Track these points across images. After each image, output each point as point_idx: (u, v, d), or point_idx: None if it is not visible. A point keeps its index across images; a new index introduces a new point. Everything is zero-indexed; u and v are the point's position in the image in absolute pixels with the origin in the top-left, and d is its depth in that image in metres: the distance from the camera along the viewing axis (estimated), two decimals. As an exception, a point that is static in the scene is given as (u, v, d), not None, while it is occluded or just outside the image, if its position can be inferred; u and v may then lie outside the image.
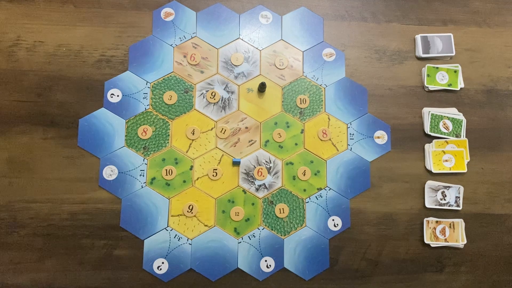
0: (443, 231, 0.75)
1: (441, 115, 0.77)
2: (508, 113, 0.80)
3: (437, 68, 0.79)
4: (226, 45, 0.77)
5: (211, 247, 0.71)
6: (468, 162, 0.78)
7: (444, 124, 0.77)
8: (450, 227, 0.75)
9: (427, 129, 0.77)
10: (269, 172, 0.74)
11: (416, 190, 0.76)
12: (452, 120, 0.78)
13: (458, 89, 0.79)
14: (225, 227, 0.72)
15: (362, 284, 0.73)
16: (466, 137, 0.78)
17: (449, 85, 0.79)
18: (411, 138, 0.78)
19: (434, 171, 0.76)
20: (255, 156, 0.74)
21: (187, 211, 0.71)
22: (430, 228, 0.75)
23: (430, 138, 0.78)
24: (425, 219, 0.75)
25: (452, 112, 0.79)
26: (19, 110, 0.72)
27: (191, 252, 0.70)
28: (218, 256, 0.71)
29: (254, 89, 0.76)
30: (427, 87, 0.79)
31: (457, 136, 0.78)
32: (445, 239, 0.75)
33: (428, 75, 0.79)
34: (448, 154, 0.76)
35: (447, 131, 0.78)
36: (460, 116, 0.78)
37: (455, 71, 0.79)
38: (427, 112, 0.78)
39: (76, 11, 0.76)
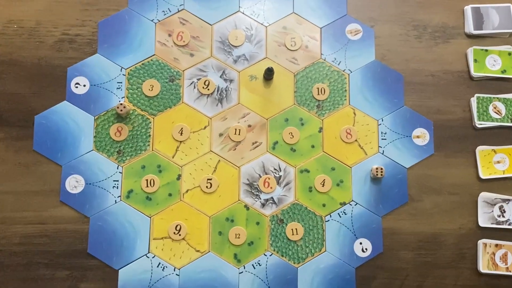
0: (504, 258, 0.67)
1: (490, 97, 0.70)
2: None
3: (486, 50, 0.72)
4: (223, 20, 0.73)
5: (204, 278, 0.66)
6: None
7: (495, 107, 0.71)
8: (513, 252, 0.68)
9: (475, 119, 0.70)
10: (278, 183, 0.69)
11: (466, 204, 0.70)
12: (505, 101, 0.70)
13: (515, 76, 0.73)
14: (222, 253, 0.67)
15: (399, 325, 0.66)
16: (525, 122, 0.71)
17: (503, 71, 0.72)
18: (460, 138, 0.71)
19: (482, 176, 0.69)
20: (261, 162, 0.70)
21: (174, 233, 0.67)
22: (487, 253, 0.68)
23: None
24: (479, 242, 0.68)
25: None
26: (-42, 105, 0.67)
27: (179, 285, 0.65)
28: (213, 290, 0.65)
29: (259, 77, 0.71)
30: (474, 75, 0.71)
31: (513, 121, 0.71)
32: (507, 268, 0.68)
33: (475, 60, 0.72)
34: (500, 154, 0.70)
35: (499, 116, 0.70)
36: None
37: (510, 53, 0.71)
38: (475, 99, 0.71)
39: (32, -22, 0.71)
